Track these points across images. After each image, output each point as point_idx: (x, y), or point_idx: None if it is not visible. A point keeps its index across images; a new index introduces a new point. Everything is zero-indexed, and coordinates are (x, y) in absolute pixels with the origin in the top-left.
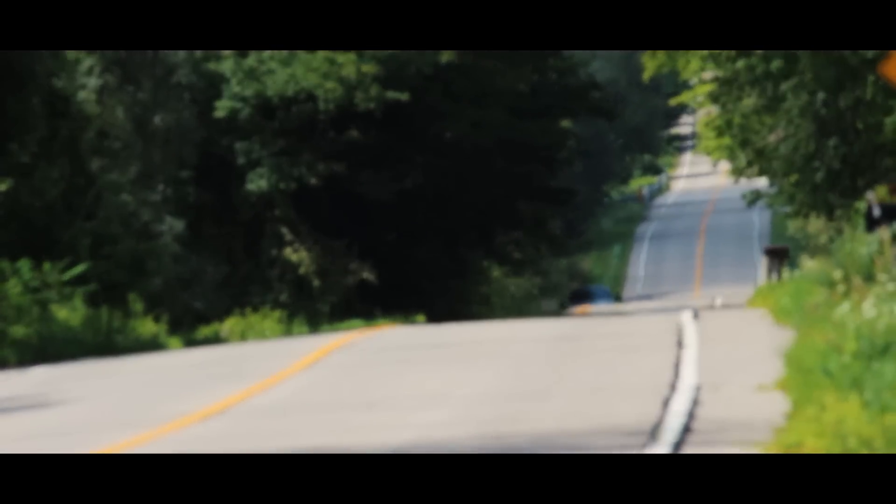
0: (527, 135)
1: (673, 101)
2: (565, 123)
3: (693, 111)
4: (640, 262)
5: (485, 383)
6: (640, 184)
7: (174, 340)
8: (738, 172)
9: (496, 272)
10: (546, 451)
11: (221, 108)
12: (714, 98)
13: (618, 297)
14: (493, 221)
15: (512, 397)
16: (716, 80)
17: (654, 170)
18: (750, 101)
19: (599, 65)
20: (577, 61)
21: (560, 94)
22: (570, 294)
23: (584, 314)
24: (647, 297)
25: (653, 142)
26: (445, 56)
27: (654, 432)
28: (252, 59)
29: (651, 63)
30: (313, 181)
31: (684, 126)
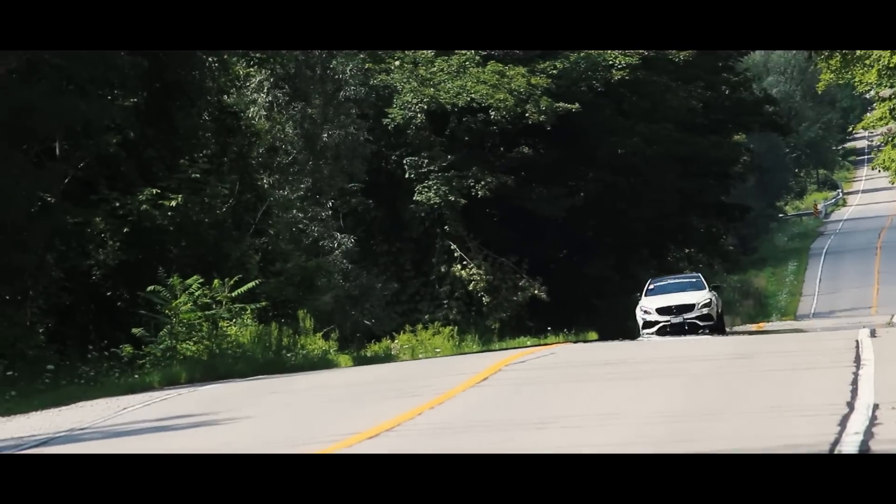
0: (699, 150)
1: (857, 128)
2: (738, 138)
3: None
4: (816, 279)
5: (658, 402)
6: (816, 199)
7: (344, 357)
8: None
9: None
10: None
11: (394, 115)
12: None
13: (716, 288)
14: (664, 237)
15: (685, 416)
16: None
17: (830, 185)
18: None
19: (774, 79)
20: (750, 76)
21: (733, 110)
22: (648, 285)
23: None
24: (823, 314)
25: (828, 156)
26: (617, 73)
27: (831, 452)
28: (422, 70)
29: (826, 75)
30: (482, 193)
31: (860, 140)
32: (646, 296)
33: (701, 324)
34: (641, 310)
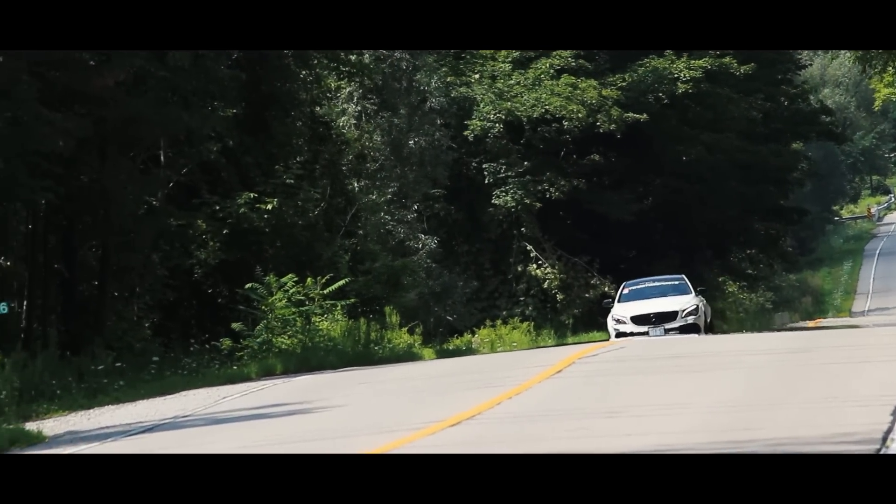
0: (759, 158)
1: None
2: (796, 146)
3: None
4: (869, 278)
5: (720, 393)
6: (869, 203)
7: (427, 351)
8: None
9: (731, 287)
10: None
11: (473, 126)
12: None
13: (702, 292)
14: (727, 239)
15: (746, 406)
16: None
17: (883, 190)
18: None
19: (829, 91)
20: (807, 88)
21: (791, 119)
22: (622, 289)
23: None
24: (876, 311)
25: (881, 163)
26: (682, 86)
27: (884, 440)
28: (500, 83)
29: (881, 91)
30: (556, 196)
31: None
32: (619, 302)
33: (684, 336)
34: (613, 318)
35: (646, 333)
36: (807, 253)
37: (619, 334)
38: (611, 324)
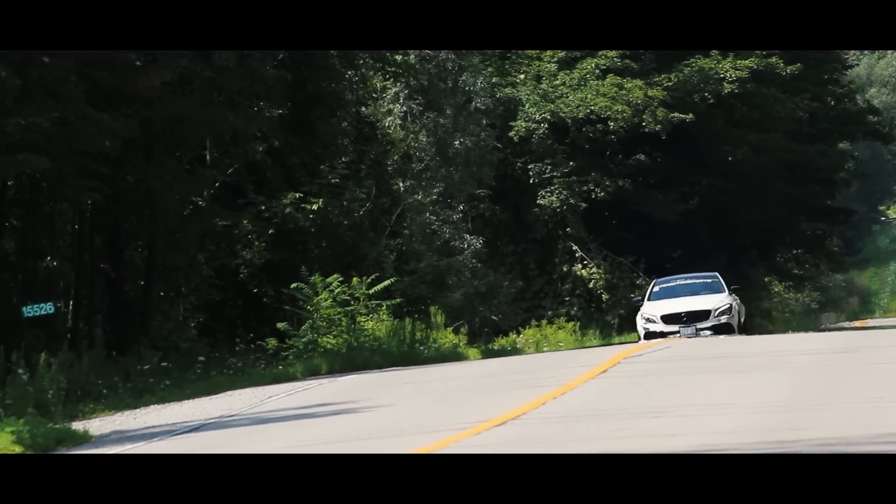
0: (806, 158)
1: None
2: (843, 146)
3: None
4: None
5: (765, 393)
6: None
7: (473, 351)
8: None
9: (777, 287)
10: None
11: (518, 128)
12: None
13: (736, 290)
14: (773, 239)
15: (791, 407)
16: None
17: None
18: None
19: (876, 90)
20: (853, 88)
21: (837, 119)
22: (652, 287)
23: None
24: None
25: None
26: (728, 86)
27: None
28: (546, 83)
29: None
30: (601, 196)
31: None
32: (648, 300)
33: (718, 335)
34: (643, 318)
35: (677, 333)
36: (853, 253)
37: (649, 334)
38: (640, 323)
